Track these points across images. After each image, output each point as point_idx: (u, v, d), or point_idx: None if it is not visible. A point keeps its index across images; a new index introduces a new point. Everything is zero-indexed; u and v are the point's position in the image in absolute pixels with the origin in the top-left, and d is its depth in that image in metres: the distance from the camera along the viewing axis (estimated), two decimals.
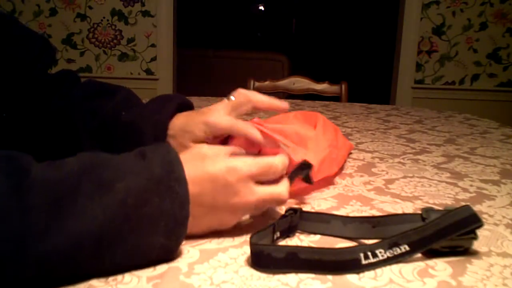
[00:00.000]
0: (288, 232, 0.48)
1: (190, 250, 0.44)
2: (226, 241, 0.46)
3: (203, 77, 3.54)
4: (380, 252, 0.42)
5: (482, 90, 2.71)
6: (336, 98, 1.79)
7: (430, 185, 0.66)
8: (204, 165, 0.44)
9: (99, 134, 0.65)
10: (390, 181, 0.68)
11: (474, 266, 0.43)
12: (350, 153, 0.83)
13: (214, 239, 0.46)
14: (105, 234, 0.37)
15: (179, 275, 0.39)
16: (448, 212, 0.43)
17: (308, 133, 0.67)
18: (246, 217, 0.51)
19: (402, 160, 0.79)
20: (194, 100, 0.70)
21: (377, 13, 5.25)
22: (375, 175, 0.71)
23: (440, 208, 0.48)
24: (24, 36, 0.71)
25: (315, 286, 0.39)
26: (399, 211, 0.56)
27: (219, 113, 0.60)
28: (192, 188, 0.41)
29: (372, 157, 0.81)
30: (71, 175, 0.38)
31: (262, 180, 0.46)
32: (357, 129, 1.05)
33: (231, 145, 0.55)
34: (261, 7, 5.89)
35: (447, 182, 0.68)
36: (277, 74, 3.16)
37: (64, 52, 2.83)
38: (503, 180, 0.69)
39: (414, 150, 0.86)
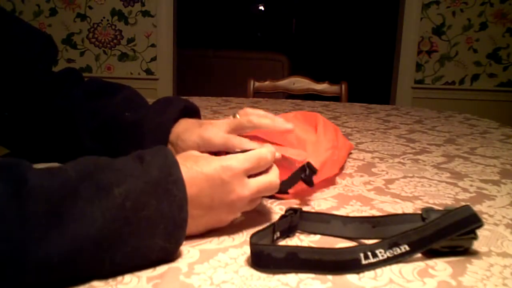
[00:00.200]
0: (288, 232, 0.48)
1: (190, 250, 0.44)
2: (226, 241, 0.46)
3: (203, 77, 3.54)
4: (380, 252, 0.42)
5: (482, 90, 2.71)
6: (336, 98, 1.79)
7: (430, 185, 0.66)
8: (199, 166, 0.44)
9: (99, 134, 0.65)
10: (390, 181, 0.68)
11: (474, 266, 0.43)
12: (350, 153, 0.83)
13: (214, 239, 0.46)
14: (105, 237, 0.37)
15: (179, 275, 0.39)
16: (448, 212, 0.43)
17: (308, 136, 0.67)
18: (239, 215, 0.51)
19: (402, 160, 0.79)
20: (194, 100, 0.70)
21: (377, 13, 5.25)
22: (375, 175, 0.71)
23: (440, 208, 0.48)
24: (26, 34, 0.70)
25: (315, 286, 0.39)
26: (399, 211, 0.56)
27: (217, 129, 0.60)
28: (189, 190, 0.42)
29: (372, 157, 0.81)
30: (70, 180, 0.38)
31: (254, 173, 0.47)
32: (357, 129, 1.05)
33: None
34: (261, 7, 5.89)
35: (447, 182, 0.68)
36: (277, 74, 3.16)
37: (64, 52, 2.83)
38: (503, 180, 0.69)
39: (414, 150, 0.86)
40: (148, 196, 0.39)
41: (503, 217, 0.55)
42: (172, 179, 0.41)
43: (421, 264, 0.43)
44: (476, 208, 0.57)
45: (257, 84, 1.84)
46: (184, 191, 0.41)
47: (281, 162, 0.52)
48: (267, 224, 0.46)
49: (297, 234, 0.48)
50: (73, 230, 0.36)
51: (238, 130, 0.60)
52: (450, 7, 2.66)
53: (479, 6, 2.64)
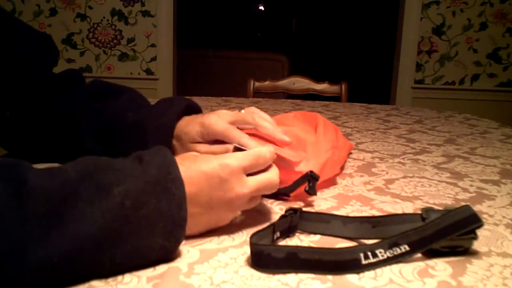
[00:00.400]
0: (288, 232, 0.48)
1: (190, 250, 0.44)
2: (226, 241, 0.46)
3: (203, 77, 3.54)
4: (380, 252, 0.42)
5: (482, 90, 2.71)
6: (336, 98, 1.79)
7: (430, 185, 0.66)
8: (197, 165, 0.44)
9: (102, 135, 0.65)
10: (390, 181, 0.68)
11: (474, 266, 0.43)
12: (350, 153, 0.83)
13: (214, 239, 0.46)
14: (105, 237, 0.37)
15: (179, 275, 0.39)
16: (448, 212, 0.43)
17: (308, 136, 0.67)
18: (239, 213, 0.51)
19: (402, 160, 0.79)
20: (194, 100, 0.70)
21: (377, 13, 5.25)
22: (375, 175, 0.71)
23: (440, 208, 0.48)
24: (27, 34, 0.71)
25: (315, 286, 0.39)
26: (399, 211, 0.56)
27: (218, 117, 0.61)
28: (188, 188, 0.42)
29: (372, 157, 0.81)
30: (70, 180, 0.38)
31: (253, 171, 0.47)
32: (357, 129, 1.05)
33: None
34: (261, 7, 5.89)
35: (447, 182, 0.68)
36: (277, 74, 3.16)
37: (64, 52, 2.83)
38: (503, 180, 0.69)
39: (414, 150, 0.86)
40: (147, 195, 0.39)
41: (503, 217, 0.55)
42: (170, 177, 0.41)
43: (421, 264, 0.43)
44: (476, 208, 0.57)
45: (257, 84, 1.84)
46: (182, 189, 0.41)
47: (278, 162, 0.52)
48: (267, 224, 0.46)
49: (297, 234, 0.48)
50: (73, 230, 0.36)
51: (239, 123, 0.62)
52: (450, 7, 2.66)
53: (479, 6, 2.64)
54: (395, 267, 0.42)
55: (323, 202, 0.58)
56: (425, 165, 0.77)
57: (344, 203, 0.58)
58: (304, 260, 0.40)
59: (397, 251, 0.42)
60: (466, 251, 0.45)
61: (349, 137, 0.95)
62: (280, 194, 0.58)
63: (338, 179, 0.68)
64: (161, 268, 0.40)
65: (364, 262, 0.41)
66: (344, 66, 5.34)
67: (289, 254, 0.41)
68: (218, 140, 0.61)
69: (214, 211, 0.45)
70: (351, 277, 0.40)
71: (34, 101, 0.69)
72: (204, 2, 5.66)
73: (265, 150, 0.49)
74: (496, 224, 0.53)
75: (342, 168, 0.73)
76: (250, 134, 0.61)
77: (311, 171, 0.55)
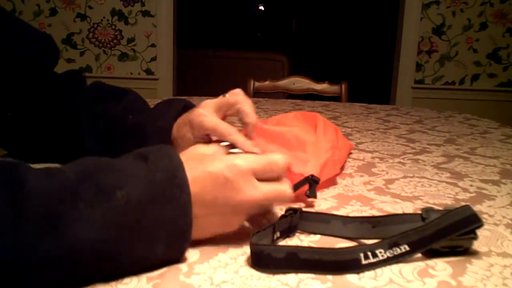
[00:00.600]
0: (288, 232, 0.48)
1: (190, 250, 0.44)
2: (226, 241, 0.46)
3: (203, 77, 3.54)
4: (380, 252, 0.42)
5: (482, 90, 2.71)
6: (336, 98, 1.79)
7: (430, 185, 0.66)
8: (203, 165, 0.43)
9: (104, 137, 0.65)
10: (390, 181, 0.68)
11: (474, 266, 0.43)
12: (350, 153, 0.83)
13: (214, 239, 0.46)
14: (105, 243, 0.36)
15: (179, 275, 0.39)
16: (448, 212, 0.43)
17: (308, 136, 0.67)
18: (246, 223, 0.49)
19: (402, 160, 0.79)
20: (194, 100, 0.70)
21: (377, 13, 5.25)
22: (375, 175, 0.71)
23: (440, 208, 0.48)
24: (28, 34, 0.71)
25: (315, 286, 0.39)
26: (399, 211, 0.56)
27: (205, 112, 0.59)
28: (192, 188, 0.40)
29: (372, 157, 0.81)
30: (69, 181, 0.37)
31: (263, 177, 0.45)
32: (357, 129, 1.05)
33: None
34: (261, 7, 5.89)
35: (447, 182, 0.68)
36: (277, 74, 3.16)
37: (64, 52, 2.83)
38: (503, 180, 0.69)
39: (414, 150, 0.86)
40: (151, 201, 0.38)
41: (503, 217, 0.55)
42: (176, 182, 0.40)
43: (421, 264, 0.43)
44: (476, 208, 0.57)
45: (257, 84, 1.84)
46: (188, 193, 0.40)
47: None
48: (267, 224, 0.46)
49: (297, 234, 0.48)
50: (73, 235, 0.35)
51: (224, 110, 0.60)
52: (450, 7, 2.66)
53: (479, 6, 2.64)
54: (395, 267, 0.42)
55: (323, 202, 0.58)
56: (425, 165, 0.77)
57: (344, 203, 0.58)
58: (304, 260, 0.40)
59: (397, 251, 0.42)
60: (466, 251, 0.45)
61: (349, 137, 0.95)
62: None
63: (338, 179, 0.68)
64: (161, 268, 0.40)
65: (364, 262, 0.41)
66: (344, 66, 5.34)
67: (289, 254, 0.41)
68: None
69: (219, 213, 0.43)
70: (351, 277, 0.40)
71: (35, 101, 0.69)
72: (204, 2, 5.66)
73: (279, 158, 0.46)
74: (496, 224, 0.53)
75: (342, 168, 0.73)
76: (262, 133, 0.61)
77: (311, 175, 0.55)
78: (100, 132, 0.66)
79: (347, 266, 0.41)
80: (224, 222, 0.44)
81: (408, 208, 0.57)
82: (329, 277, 0.40)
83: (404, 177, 0.70)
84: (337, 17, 5.54)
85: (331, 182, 0.66)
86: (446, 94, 2.73)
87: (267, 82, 1.86)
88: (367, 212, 0.56)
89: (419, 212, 0.46)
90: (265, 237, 0.44)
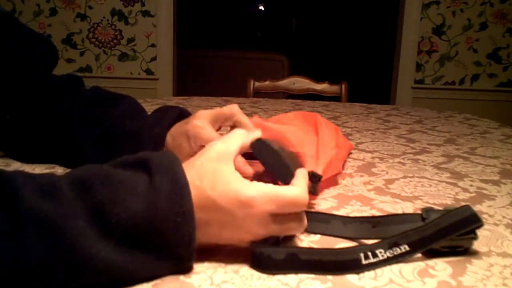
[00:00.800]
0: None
1: None
2: None
3: (203, 77, 3.54)
4: (380, 252, 0.42)
5: (482, 90, 2.71)
6: (336, 98, 1.79)
7: (430, 185, 0.66)
8: (214, 192, 0.39)
9: (100, 142, 0.66)
10: (390, 181, 0.68)
11: (474, 266, 0.43)
12: (350, 153, 0.83)
13: None
14: (108, 267, 0.35)
15: (179, 275, 0.39)
16: (448, 212, 0.43)
17: (308, 136, 0.67)
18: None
19: (402, 160, 0.79)
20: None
21: (377, 13, 5.25)
22: (375, 175, 0.71)
23: (440, 208, 0.48)
24: (27, 36, 0.71)
25: (315, 286, 0.39)
26: (399, 211, 0.56)
27: (201, 122, 0.60)
28: (197, 215, 0.38)
29: (372, 157, 0.81)
30: (67, 199, 0.35)
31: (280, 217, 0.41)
32: (357, 129, 1.05)
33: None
34: (261, 7, 5.89)
35: (447, 182, 0.68)
36: (277, 74, 3.16)
37: (64, 52, 2.83)
38: (503, 180, 0.69)
39: (414, 150, 0.86)
40: (153, 230, 0.36)
41: (503, 217, 0.55)
42: (181, 210, 0.37)
43: (421, 264, 0.43)
44: (476, 208, 0.57)
45: (257, 84, 1.84)
46: (193, 223, 0.37)
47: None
48: None
49: (297, 234, 0.48)
50: (74, 258, 0.34)
51: (220, 121, 0.61)
52: (450, 7, 2.66)
53: (479, 6, 2.64)
54: (395, 267, 0.42)
55: (323, 202, 0.58)
56: (425, 165, 0.77)
57: (344, 203, 0.58)
58: (304, 261, 0.40)
59: (397, 251, 0.42)
60: (466, 251, 0.45)
61: (349, 137, 0.95)
62: None
63: (338, 179, 0.68)
64: None
65: (364, 262, 0.41)
66: (344, 66, 5.34)
67: (289, 255, 0.41)
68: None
69: (222, 241, 0.42)
70: (351, 277, 0.40)
71: (33, 104, 0.69)
72: (204, 2, 5.66)
73: (304, 197, 0.40)
74: (496, 224, 0.53)
75: (342, 167, 0.73)
76: (262, 130, 0.61)
77: (312, 171, 0.55)
78: (98, 137, 0.66)
79: (347, 266, 0.41)
80: (230, 240, 0.42)
81: (408, 208, 0.57)
82: (329, 277, 0.40)
83: (404, 177, 0.70)
84: (337, 17, 5.54)
85: (331, 182, 0.66)
86: (446, 94, 2.73)
87: (267, 82, 1.86)
88: (367, 212, 0.56)
89: (419, 212, 0.46)
90: (268, 239, 0.43)
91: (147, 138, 0.63)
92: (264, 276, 0.40)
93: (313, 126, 0.72)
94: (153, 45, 2.83)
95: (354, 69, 5.25)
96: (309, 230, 0.49)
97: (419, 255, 0.43)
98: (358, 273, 0.41)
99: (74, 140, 0.66)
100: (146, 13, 2.80)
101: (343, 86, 1.80)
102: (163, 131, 0.63)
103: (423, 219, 0.45)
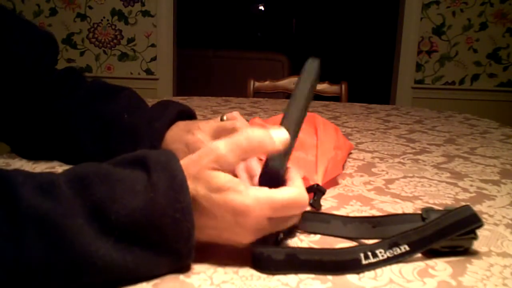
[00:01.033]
0: (288, 232, 0.48)
1: None
2: None
3: (203, 77, 3.54)
4: (380, 252, 0.42)
5: (482, 90, 2.71)
6: (336, 98, 1.79)
7: (430, 185, 0.66)
8: (212, 196, 0.38)
9: (99, 136, 0.66)
10: (390, 181, 0.68)
11: (474, 266, 0.43)
12: (350, 153, 0.83)
13: None
14: (108, 265, 0.35)
15: (179, 275, 0.39)
16: (448, 212, 0.43)
17: (308, 137, 0.67)
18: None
19: (402, 160, 0.79)
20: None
21: (377, 13, 5.25)
22: (375, 175, 0.71)
23: (440, 208, 0.48)
24: (29, 32, 0.70)
25: (315, 286, 0.39)
26: (399, 211, 0.56)
27: (202, 137, 0.60)
28: (197, 220, 0.38)
29: (372, 157, 0.81)
30: (65, 198, 0.35)
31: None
32: (357, 129, 1.05)
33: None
34: (261, 7, 5.89)
35: (447, 182, 0.68)
36: (277, 74, 3.16)
37: (64, 52, 2.83)
38: (503, 180, 0.69)
39: (414, 150, 0.86)
40: (151, 227, 0.36)
41: (503, 217, 0.55)
42: (180, 206, 0.37)
43: (421, 264, 0.43)
44: (476, 208, 0.57)
45: (257, 84, 1.84)
46: (191, 219, 0.37)
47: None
48: None
49: (297, 234, 0.48)
50: (73, 257, 0.34)
51: (222, 135, 0.59)
52: (450, 7, 2.66)
53: (479, 6, 2.64)
54: (395, 267, 0.42)
55: (323, 202, 0.58)
56: (425, 165, 0.77)
57: (344, 203, 0.58)
58: (304, 261, 0.40)
59: (397, 251, 0.42)
60: (466, 251, 0.45)
61: (349, 137, 0.95)
62: None
63: (338, 179, 0.68)
64: None
65: (364, 262, 0.41)
66: (344, 66, 5.34)
67: (289, 256, 0.41)
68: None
69: (223, 241, 0.42)
70: (351, 277, 0.40)
71: (35, 99, 0.69)
72: (204, 2, 5.66)
73: (303, 197, 0.41)
74: (496, 224, 0.53)
75: (342, 168, 0.73)
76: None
77: (317, 184, 0.55)
78: (97, 131, 0.66)
79: (347, 266, 0.41)
80: (228, 241, 0.42)
81: (408, 208, 0.57)
82: (329, 277, 0.40)
83: (404, 177, 0.70)
84: (337, 17, 5.54)
85: (331, 182, 0.66)
86: (446, 94, 2.73)
87: (267, 82, 1.86)
88: (367, 212, 0.56)
89: (419, 212, 0.46)
90: (269, 238, 0.43)
91: (146, 133, 0.63)
92: (264, 276, 0.40)
93: (313, 127, 0.73)
94: (153, 45, 2.83)
95: (354, 69, 5.25)
96: (309, 230, 0.49)
97: (419, 255, 0.43)
98: (358, 273, 0.41)
99: (74, 136, 0.66)
100: (146, 13, 2.80)
101: (343, 86, 1.80)
102: (162, 127, 0.63)
103: (423, 219, 0.45)
